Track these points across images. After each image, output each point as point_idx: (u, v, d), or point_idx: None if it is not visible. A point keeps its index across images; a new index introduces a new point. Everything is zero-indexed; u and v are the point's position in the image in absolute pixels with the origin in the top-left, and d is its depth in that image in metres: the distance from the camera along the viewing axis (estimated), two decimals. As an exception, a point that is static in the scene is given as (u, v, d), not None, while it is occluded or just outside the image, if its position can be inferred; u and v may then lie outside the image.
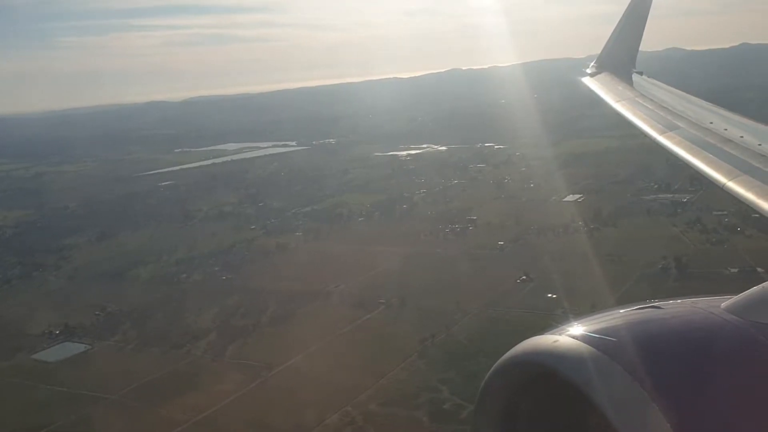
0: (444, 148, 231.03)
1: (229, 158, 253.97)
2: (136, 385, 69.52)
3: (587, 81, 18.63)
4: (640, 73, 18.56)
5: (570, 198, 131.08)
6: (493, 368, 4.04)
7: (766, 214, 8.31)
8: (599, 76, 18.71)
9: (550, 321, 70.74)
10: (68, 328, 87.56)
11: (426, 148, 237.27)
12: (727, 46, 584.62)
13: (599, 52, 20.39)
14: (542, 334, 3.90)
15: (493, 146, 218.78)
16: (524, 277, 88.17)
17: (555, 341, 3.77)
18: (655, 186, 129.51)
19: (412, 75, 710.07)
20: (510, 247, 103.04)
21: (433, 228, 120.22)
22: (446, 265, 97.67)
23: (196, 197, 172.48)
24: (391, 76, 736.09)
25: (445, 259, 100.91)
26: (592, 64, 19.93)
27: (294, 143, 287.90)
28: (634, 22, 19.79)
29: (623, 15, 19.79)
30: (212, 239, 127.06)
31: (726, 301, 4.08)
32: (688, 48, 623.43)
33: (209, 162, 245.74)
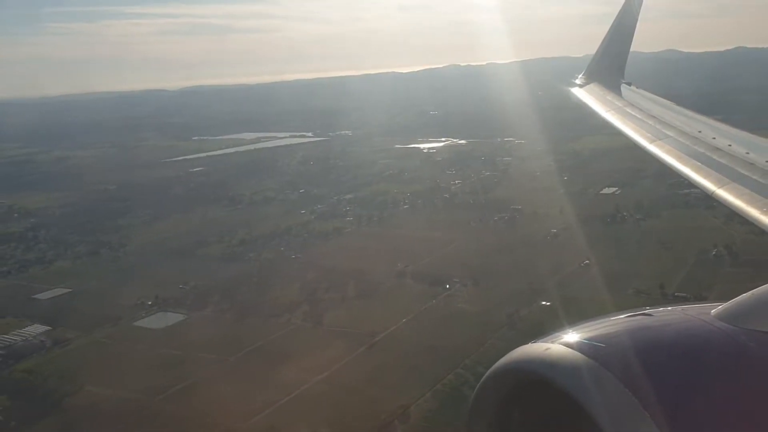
0: (463, 141, 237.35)
1: (251, 147, 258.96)
2: (250, 348, 75.49)
3: (576, 91, 19.10)
4: (629, 84, 19.01)
5: (606, 191, 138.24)
6: (485, 375, 4.06)
7: (755, 221, 8.54)
8: (588, 86, 19.13)
9: (624, 300, 78.37)
10: (159, 299, 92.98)
11: (445, 141, 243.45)
12: (723, 49, 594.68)
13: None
14: (533, 341, 3.97)
15: (513, 141, 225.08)
16: (587, 262, 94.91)
17: (547, 349, 3.81)
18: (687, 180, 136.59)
19: (411, 70, 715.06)
20: (563, 235, 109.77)
21: (480, 216, 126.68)
22: (506, 250, 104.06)
23: (233, 183, 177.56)
24: (389, 70, 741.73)
25: (503, 245, 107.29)
26: (580, 75, 20.35)
27: (310, 134, 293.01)
28: (621, 33, 20.25)
29: (611, 26, 20.24)
30: (266, 222, 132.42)
31: (716, 309, 4.11)
32: (685, 50, 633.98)
33: (232, 150, 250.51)
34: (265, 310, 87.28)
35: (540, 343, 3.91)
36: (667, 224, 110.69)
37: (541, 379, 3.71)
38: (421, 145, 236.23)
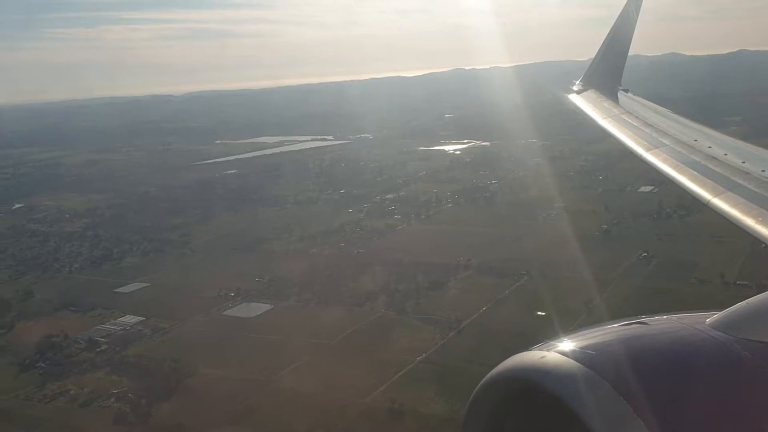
0: (487, 143, 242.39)
1: (277, 150, 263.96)
2: (345, 334, 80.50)
3: (573, 98, 19.07)
4: (626, 91, 19.01)
5: (644, 189, 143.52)
6: (480, 383, 4.10)
7: (751, 231, 8.58)
8: (585, 93, 19.14)
9: (690, 289, 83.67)
10: (241, 291, 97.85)
11: (469, 143, 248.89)
12: (725, 52, 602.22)
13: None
14: (529, 349, 4.02)
15: (536, 142, 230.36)
16: (644, 254, 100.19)
17: (542, 357, 3.83)
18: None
19: (416, 74, 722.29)
20: (615, 230, 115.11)
21: (527, 213, 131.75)
22: (562, 245, 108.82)
23: (271, 184, 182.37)
24: (394, 74, 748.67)
25: (558, 240, 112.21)
26: (578, 81, 20.39)
27: (331, 137, 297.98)
28: (619, 40, 20.24)
29: (609, 33, 20.20)
30: (317, 220, 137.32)
31: (711, 317, 4.18)
32: (688, 53, 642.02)
33: (259, 153, 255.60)
34: (345, 300, 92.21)
35: (535, 351, 3.96)
36: (713, 219, 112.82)
37: (536, 387, 3.74)
38: (445, 147, 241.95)
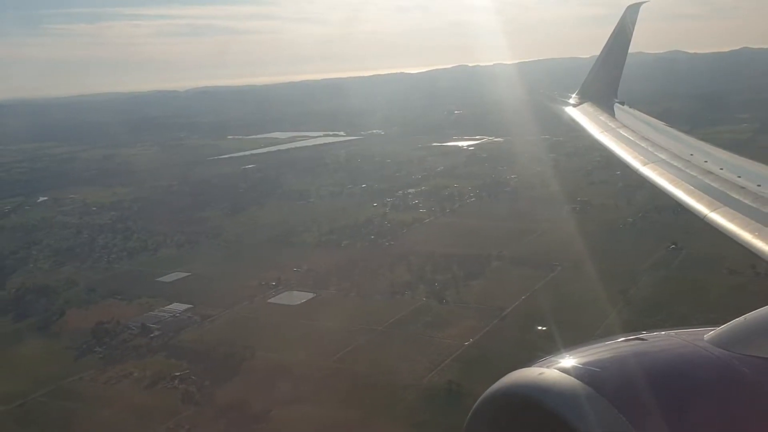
0: (500, 139, 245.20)
1: (290, 145, 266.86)
2: (392, 320, 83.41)
3: (570, 111, 19.35)
4: (622, 103, 19.15)
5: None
6: (479, 399, 4.15)
7: (748, 246, 8.68)
8: (582, 106, 19.30)
9: (721, 279, 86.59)
10: (281, 280, 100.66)
11: (481, 139, 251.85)
12: (728, 49, 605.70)
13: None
14: (528, 366, 4.06)
15: (550, 138, 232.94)
16: (673, 246, 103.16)
17: (541, 373, 3.88)
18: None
19: (420, 70, 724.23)
20: (640, 223, 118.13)
21: (550, 207, 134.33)
22: (590, 237, 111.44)
23: (291, 179, 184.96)
24: (398, 71, 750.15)
25: (585, 232, 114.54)
26: (574, 94, 20.64)
27: (342, 133, 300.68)
28: (615, 53, 20.43)
29: (604, 47, 20.44)
30: (344, 214, 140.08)
31: (709, 334, 4.26)
32: (691, 51, 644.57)
33: (274, 148, 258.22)
34: (385, 289, 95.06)
35: (534, 368, 4.00)
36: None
37: (535, 404, 3.76)
38: (458, 143, 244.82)
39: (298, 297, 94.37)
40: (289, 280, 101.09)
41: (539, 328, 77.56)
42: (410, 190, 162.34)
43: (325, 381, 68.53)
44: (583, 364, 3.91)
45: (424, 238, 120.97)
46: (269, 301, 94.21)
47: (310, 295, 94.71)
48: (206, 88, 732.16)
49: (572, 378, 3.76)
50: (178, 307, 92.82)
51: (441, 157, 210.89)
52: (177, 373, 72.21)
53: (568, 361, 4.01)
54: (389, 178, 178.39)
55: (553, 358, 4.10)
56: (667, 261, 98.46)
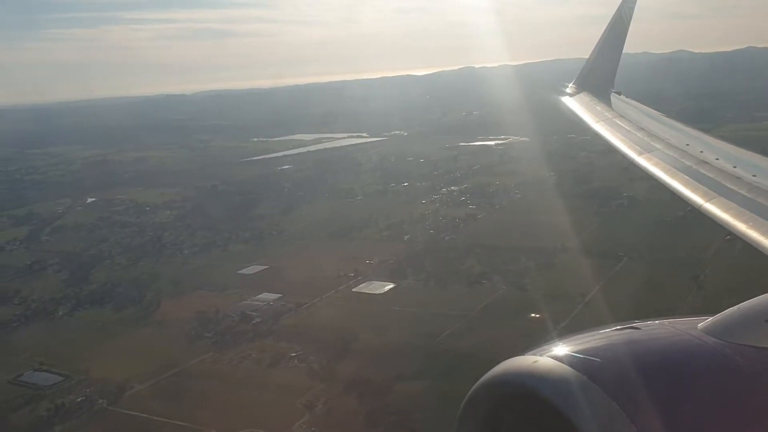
0: (526, 138, 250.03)
1: (319, 146, 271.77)
2: (481, 306, 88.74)
3: (567, 101, 19.26)
4: (619, 93, 19.13)
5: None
6: (473, 388, 4.18)
7: (742, 236, 8.99)
8: (578, 95, 19.31)
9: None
10: (358, 271, 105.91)
11: (507, 138, 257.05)
12: (732, 48, 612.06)
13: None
14: (522, 353, 4.11)
15: (576, 137, 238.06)
16: (728, 237, 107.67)
17: (535, 362, 3.92)
18: None
19: (426, 72, 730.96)
20: (690, 216, 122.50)
21: (598, 202, 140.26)
22: (645, 230, 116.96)
23: (333, 178, 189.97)
24: (405, 73, 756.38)
25: (639, 225, 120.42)
26: (571, 84, 20.53)
27: (366, 134, 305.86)
28: (612, 43, 20.40)
29: (602, 36, 20.38)
30: (395, 210, 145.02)
31: (703, 323, 4.30)
32: (696, 50, 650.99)
33: (303, 150, 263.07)
34: (462, 279, 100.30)
35: (528, 356, 4.03)
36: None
37: (529, 392, 3.79)
38: (486, 142, 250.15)
39: (380, 286, 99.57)
40: (365, 272, 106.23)
41: (625, 312, 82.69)
42: (453, 188, 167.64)
43: (435, 359, 73.68)
44: (577, 353, 3.97)
45: (482, 232, 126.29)
46: (353, 290, 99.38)
47: (391, 285, 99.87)
48: (214, 91, 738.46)
49: (566, 366, 3.82)
50: (268, 296, 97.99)
51: (473, 156, 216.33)
52: (293, 354, 77.41)
53: (562, 349, 4.06)
54: (428, 177, 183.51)
55: (547, 346, 4.15)
56: (727, 251, 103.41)
